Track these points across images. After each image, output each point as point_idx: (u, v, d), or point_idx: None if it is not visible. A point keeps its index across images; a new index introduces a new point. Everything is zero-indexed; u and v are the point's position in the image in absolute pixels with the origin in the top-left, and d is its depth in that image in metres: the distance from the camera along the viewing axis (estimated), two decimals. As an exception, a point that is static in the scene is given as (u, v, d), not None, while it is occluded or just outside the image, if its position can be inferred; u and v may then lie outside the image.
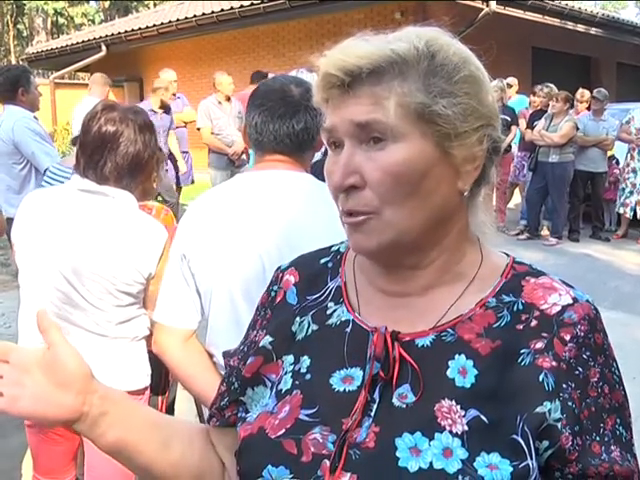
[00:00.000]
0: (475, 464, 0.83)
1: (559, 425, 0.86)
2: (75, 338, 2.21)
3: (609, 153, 9.73)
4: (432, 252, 0.94)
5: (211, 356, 1.90)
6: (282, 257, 1.75)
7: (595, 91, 9.52)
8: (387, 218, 0.88)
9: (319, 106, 0.95)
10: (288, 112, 1.83)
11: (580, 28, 14.18)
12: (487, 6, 11.35)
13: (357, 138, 0.89)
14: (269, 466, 0.91)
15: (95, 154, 2.20)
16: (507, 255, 1.01)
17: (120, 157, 2.20)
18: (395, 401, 0.90)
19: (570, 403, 0.87)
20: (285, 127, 1.82)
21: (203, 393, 1.85)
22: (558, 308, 0.90)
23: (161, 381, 2.81)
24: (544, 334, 0.89)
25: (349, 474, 0.87)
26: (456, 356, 0.90)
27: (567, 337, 0.88)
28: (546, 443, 0.86)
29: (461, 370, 0.89)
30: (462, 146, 0.89)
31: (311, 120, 1.84)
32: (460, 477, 0.83)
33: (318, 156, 2.18)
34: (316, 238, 1.70)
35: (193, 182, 9.24)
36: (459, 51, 0.91)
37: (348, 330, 0.98)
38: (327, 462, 0.88)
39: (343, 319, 0.99)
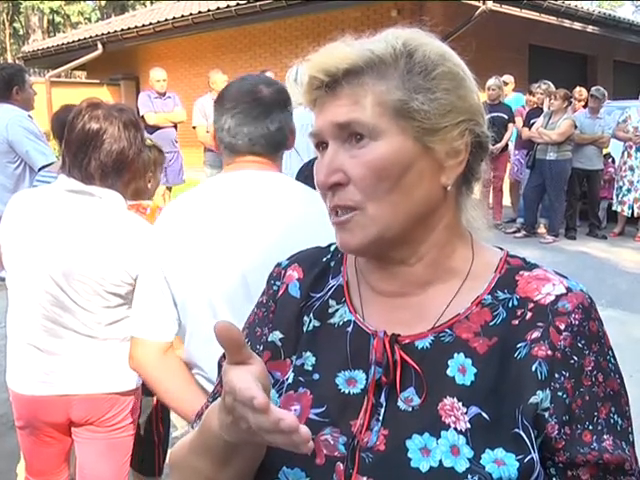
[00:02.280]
0: (482, 461, 0.85)
1: (546, 414, 0.88)
2: (65, 340, 2.20)
3: (605, 151, 9.74)
4: (420, 247, 0.96)
5: (190, 368, 1.83)
6: (264, 260, 1.70)
7: (594, 89, 9.51)
8: (370, 213, 0.91)
9: (310, 109, 0.98)
10: (262, 113, 1.80)
11: (577, 26, 14.17)
12: (483, 4, 11.33)
13: (340, 138, 0.92)
14: (284, 467, 0.92)
15: (79, 152, 2.18)
16: (501, 249, 1.02)
17: (104, 155, 2.17)
18: (401, 404, 0.91)
19: (560, 392, 0.88)
20: (260, 129, 1.80)
21: (181, 408, 1.80)
22: (552, 298, 0.92)
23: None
24: (540, 324, 0.90)
25: (365, 478, 0.88)
26: (455, 355, 0.92)
27: (562, 326, 0.90)
28: (536, 432, 0.88)
29: (460, 368, 0.91)
30: (443, 141, 0.91)
31: (284, 120, 1.84)
32: (469, 476, 0.84)
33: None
34: (296, 238, 1.67)
35: (184, 182, 9.20)
36: (437, 49, 0.94)
37: (349, 330, 0.99)
38: (340, 465, 0.90)
39: (345, 319, 1.00)
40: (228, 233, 1.73)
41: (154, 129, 8.69)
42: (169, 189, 9.08)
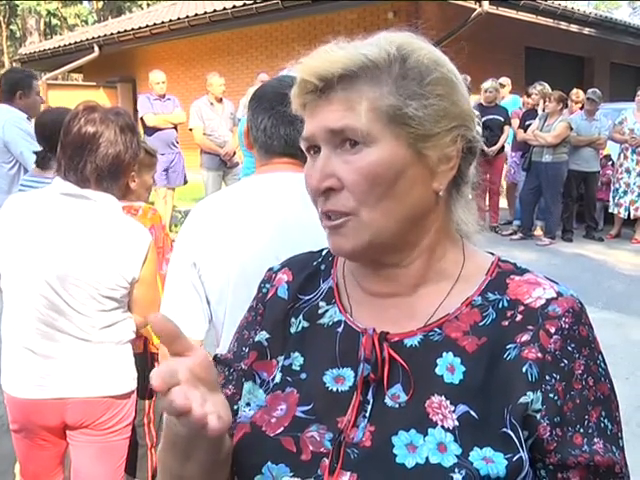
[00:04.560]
0: (470, 458, 0.85)
1: (538, 416, 0.88)
2: (60, 344, 2.20)
3: (605, 152, 9.75)
4: (413, 251, 0.96)
5: None
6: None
7: (590, 91, 9.52)
8: (363, 219, 0.91)
9: (298, 113, 0.97)
10: (299, 116, 1.79)
11: (573, 28, 14.21)
12: (480, 6, 11.35)
13: (332, 143, 0.91)
14: (269, 463, 0.92)
15: (75, 155, 2.18)
16: (492, 254, 1.03)
17: (100, 158, 2.18)
18: (388, 401, 0.92)
19: (552, 395, 0.88)
20: (297, 131, 1.77)
21: None
22: (542, 301, 0.92)
23: (147, 385, 2.78)
24: (529, 327, 0.91)
25: (349, 473, 0.88)
26: (444, 354, 0.92)
27: (552, 329, 0.90)
28: (526, 433, 0.88)
29: (449, 367, 0.91)
30: (436, 147, 0.91)
31: None
32: (456, 470, 0.84)
33: None
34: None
35: (186, 182, 9.21)
36: (430, 54, 0.94)
37: (339, 330, 0.99)
38: (326, 461, 0.90)
39: (335, 319, 1.01)
40: (261, 233, 1.72)
41: (154, 131, 8.70)
42: (172, 189, 9.09)
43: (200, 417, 0.74)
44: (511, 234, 9.54)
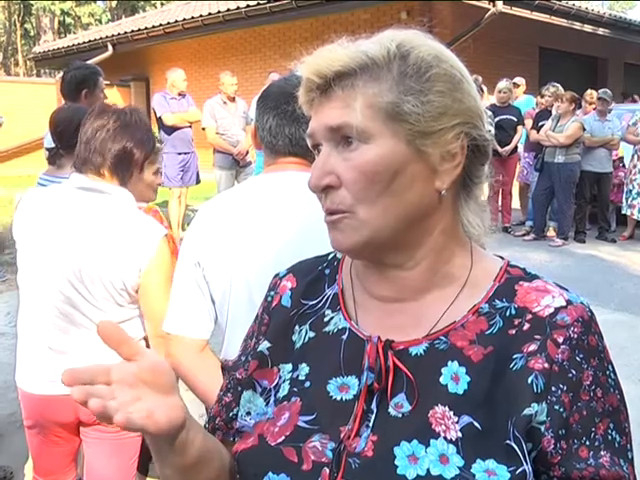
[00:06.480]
0: (472, 470, 0.84)
1: (542, 428, 0.86)
2: (76, 339, 2.21)
3: (620, 154, 9.70)
4: (416, 252, 0.94)
5: None
6: (301, 259, 1.70)
7: (601, 91, 9.50)
8: (361, 216, 0.90)
9: (305, 111, 0.98)
10: (304, 115, 1.79)
11: (587, 28, 14.14)
12: (494, 6, 11.31)
13: (333, 140, 0.91)
14: (270, 473, 0.92)
15: (90, 151, 2.20)
16: (502, 258, 1.01)
17: (114, 154, 2.19)
18: (391, 411, 0.90)
19: (557, 406, 0.86)
20: (302, 130, 1.76)
21: None
22: (551, 310, 0.90)
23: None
24: (537, 336, 0.89)
25: None
26: (449, 363, 0.90)
27: (560, 339, 0.88)
28: (530, 445, 0.86)
29: (454, 377, 0.90)
30: (437, 144, 0.89)
31: None
32: None
33: None
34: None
35: (199, 182, 9.22)
36: (432, 50, 0.91)
37: (344, 338, 0.98)
38: (327, 470, 0.89)
39: (340, 327, 1.00)
40: (264, 233, 1.72)
41: (172, 130, 8.72)
42: (186, 189, 9.11)
43: (97, 411, 0.77)
44: (524, 235, 9.52)
